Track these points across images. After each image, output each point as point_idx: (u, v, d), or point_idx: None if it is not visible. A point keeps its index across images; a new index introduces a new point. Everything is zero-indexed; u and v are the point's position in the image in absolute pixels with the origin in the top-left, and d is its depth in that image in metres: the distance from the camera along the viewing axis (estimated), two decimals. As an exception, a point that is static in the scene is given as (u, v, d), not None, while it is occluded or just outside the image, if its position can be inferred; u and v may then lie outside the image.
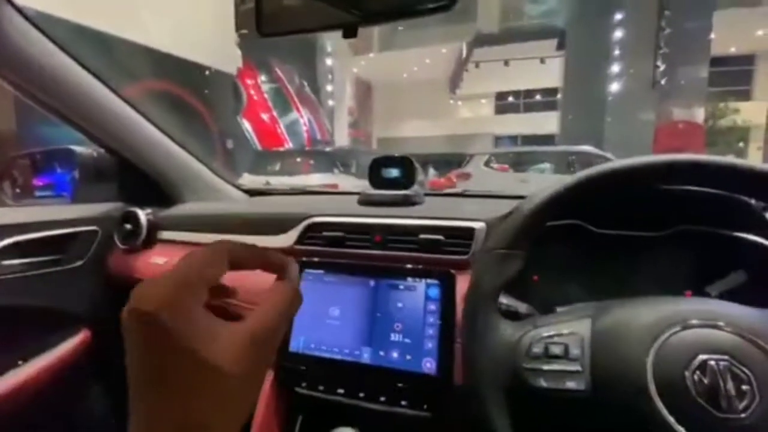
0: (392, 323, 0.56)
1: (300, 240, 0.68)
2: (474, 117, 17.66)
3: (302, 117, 8.76)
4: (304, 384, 0.59)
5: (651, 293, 0.37)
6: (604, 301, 0.38)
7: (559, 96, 11.36)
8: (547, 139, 12.78)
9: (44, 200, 1.58)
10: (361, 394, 0.55)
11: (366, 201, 0.73)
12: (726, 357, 0.29)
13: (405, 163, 0.72)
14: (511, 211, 0.58)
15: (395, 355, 0.54)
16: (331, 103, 12.26)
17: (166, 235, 0.86)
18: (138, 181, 0.94)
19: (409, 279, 0.57)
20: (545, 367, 0.33)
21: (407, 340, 0.54)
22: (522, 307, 0.46)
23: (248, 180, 4.65)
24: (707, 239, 0.51)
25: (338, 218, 0.67)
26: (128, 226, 0.86)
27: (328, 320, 0.58)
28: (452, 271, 0.56)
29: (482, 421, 0.34)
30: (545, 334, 0.35)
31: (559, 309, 0.46)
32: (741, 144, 11.35)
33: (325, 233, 0.66)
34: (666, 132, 8.44)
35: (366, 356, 0.55)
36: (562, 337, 0.35)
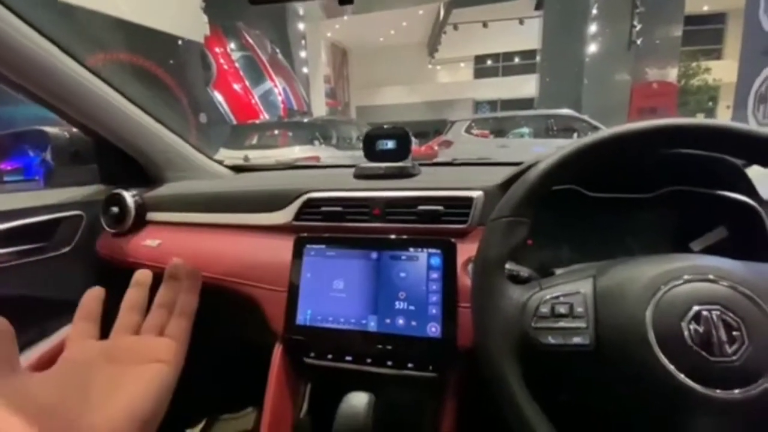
0: (396, 292, 0.57)
1: (297, 216, 0.67)
2: (453, 82, 17.39)
3: (277, 86, 8.37)
4: (312, 354, 0.61)
5: (641, 252, 0.40)
6: (604, 261, 0.40)
7: (537, 58, 11.26)
8: (526, 103, 12.77)
9: (13, 185, 1.50)
10: (369, 360, 0.58)
11: (362, 174, 0.72)
12: (718, 306, 0.32)
13: (400, 134, 0.72)
14: (510, 178, 0.60)
15: (401, 322, 0.56)
16: (305, 70, 11.76)
17: (154, 216, 0.84)
18: (118, 161, 0.91)
19: (411, 249, 0.59)
20: (552, 326, 0.36)
21: (412, 308, 0.57)
22: (524, 271, 0.49)
23: (225, 155, 4.50)
24: (693, 199, 0.54)
25: (336, 193, 0.67)
26: (115, 209, 0.83)
27: (333, 293, 0.60)
28: (452, 239, 0.58)
29: (496, 381, 0.36)
30: (551, 295, 0.37)
31: (558, 271, 0.49)
32: (711, 103, 11.65)
33: (323, 208, 0.66)
34: (641, 92, 8.56)
35: (372, 324, 0.57)
36: (567, 297, 0.37)
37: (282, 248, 0.64)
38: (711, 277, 0.33)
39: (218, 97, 7.37)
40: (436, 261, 0.58)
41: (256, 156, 4.25)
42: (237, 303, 0.66)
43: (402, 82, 16.42)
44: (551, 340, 0.35)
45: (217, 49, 7.53)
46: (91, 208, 0.84)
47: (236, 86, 7.59)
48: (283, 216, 0.68)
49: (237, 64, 7.70)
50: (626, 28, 8.45)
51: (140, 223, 0.83)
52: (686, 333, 0.31)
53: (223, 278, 0.69)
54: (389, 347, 0.56)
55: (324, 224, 0.65)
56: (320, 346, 0.60)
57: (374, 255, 0.60)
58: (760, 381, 0.30)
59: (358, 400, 0.49)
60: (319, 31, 13.04)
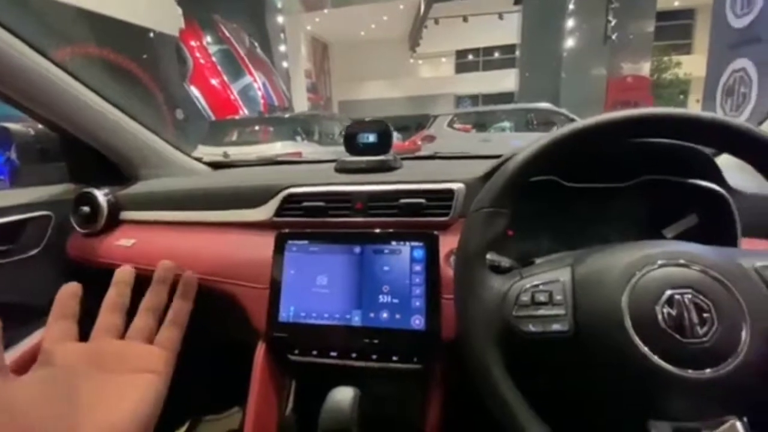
0: (380, 286, 0.57)
1: (279, 212, 0.66)
2: (435, 77, 17.44)
3: (256, 81, 8.19)
4: (296, 351, 0.60)
5: (618, 239, 0.41)
6: (582, 249, 0.41)
7: (516, 53, 11.38)
8: (507, 98, 12.92)
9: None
10: (354, 355, 0.58)
11: (343, 168, 0.72)
12: (690, 290, 0.33)
13: (381, 127, 0.71)
14: (491, 171, 0.60)
15: (385, 315, 0.56)
16: (285, 65, 11.56)
17: (128, 215, 0.82)
18: (88, 159, 0.87)
19: (394, 243, 0.59)
20: (533, 314, 0.36)
21: (395, 301, 0.57)
22: (505, 262, 0.49)
23: (203, 152, 4.39)
24: (665, 187, 0.55)
25: (317, 187, 0.66)
26: (86, 209, 0.80)
27: (316, 289, 0.59)
28: (435, 232, 0.58)
29: (479, 371, 0.36)
30: (531, 284, 0.38)
31: (538, 260, 0.49)
32: (682, 96, 12.03)
33: (304, 203, 0.65)
34: (616, 86, 8.78)
35: (356, 319, 0.57)
36: (547, 285, 0.37)
37: (263, 245, 0.63)
38: (683, 262, 0.34)
39: (195, 92, 7.16)
40: (419, 254, 0.58)
41: (236, 152, 4.16)
42: (218, 302, 0.64)
43: (384, 77, 16.36)
44: (532, 327, 0.36)
45: (192, 43, 7.31)
46: (60, 208, 0.81)
47: (214, 81, 7.40)
48: (264, 212, 0.67)
49: (214, 58, 7.50)
50: (602, 24, 8.63)
51: (113, 222, 0.81)
52: (660, 316, 0.32)
53: (203, 277, 0.67)
54: (374, 341, 0.56)
55: (306, 219, 0.64)
56: (304, 342, 0.59)
57: (357, 249, 0.59)
58: (728, 360, 0.31)
59: (343, 395, 0.49)
60: (298, 24, 12.85)
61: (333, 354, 0.58)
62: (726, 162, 0.57)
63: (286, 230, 0.62)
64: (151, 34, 5.76)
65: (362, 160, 0.71)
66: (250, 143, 4.82)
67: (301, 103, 12.42)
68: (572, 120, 5.81)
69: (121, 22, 5.01)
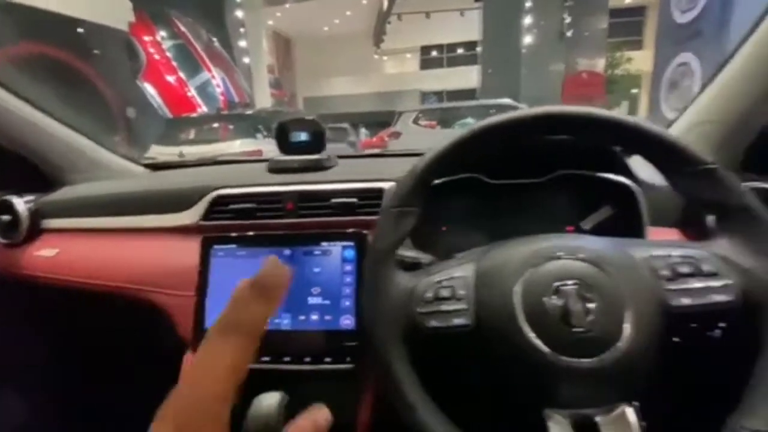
0: (310, 288, 0.57)
1: (206, 215, 0.64)
2: (400, 72, 17.49)
3: (215, 77, 7.90)
4: None
5: (538, 232, 0.42)
6: (488, 245, 0.42)
7: (478, 49, 11.61)
8: (471, 94, 13.15)
9: None
10: (286, 359, 0.57)
11: (275, 168, 0.70)
12: (576, 281, 0.34)
13: (314, 126, 0.70)
14: None
15: (315, 317, 0.56)
16: (246, 60, 11.22)
17: (53, 223, 0.76)
18: (6, 163, 0.81)
19: (324, 243, 0.58)
20: (436, 309, 0.37)
21: (326, 302, 0.56)
22: (425, 258, 0.50)
23: (158, 152, 4.19)
24: (581, 181, 0.58)
25: (246, 188, 0.64)
26: (5, 218, 0.74)
27: None
28: (365, 231, 0.58)
29: (382, 367, 0.37)
30: (436, 280, 0.39)
31: (458, 256, 0.50)
32: (635, 90, 12.67)
33: (232, 206, 0.63)
34: (573, 82, 9.15)
35: (286, 323, 0.56)
36: (451, 281, 0.38)
37: (190, 250, 0.61)
38: (572, 255, 0.36)
39: (150, 89, 6.81)
40: (350, 254, 0.57)
41: (194, 152, 4.01)
42: (143, 312, 0.62)
43: (349, 73, 16.24)
44: (434, 323, 0.36)
45: (145, 38, 6.94)
46: None
47: (169, 77, 7.07)
48: (191, 216, 0.65)
49: (169, 54, 7.16)
50: (558, 21, 8.95)
51: (35, 231, 0.75)
52: (548, 306, 0.34)
53: (127, 286, 0.64)
54: (305, 343, 0.55)
55: (235, 223, 0.63)
56: None
57: (287, 252, 0.58)
58: (612, 348, 0.33)
59: (267, 401, 0.48)
60: (259, 19, 12.47)
61: (265, 359, 0.57)
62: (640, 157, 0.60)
63: (212, 234, 0.60)
64: (96, 29, 5.41)
65: (294, 159, 0.69)
66: (209, 142, 4.64)
67: (264, 100, 12.10)
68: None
69: (60, 15, 4.67)
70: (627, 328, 0.33)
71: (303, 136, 0.69)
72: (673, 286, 0.35)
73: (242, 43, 11.09)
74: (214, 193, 0.64)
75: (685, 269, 0.35)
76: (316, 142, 0.70)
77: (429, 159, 0.41)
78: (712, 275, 0.35)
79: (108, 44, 5.74)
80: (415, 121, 6.63)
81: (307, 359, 0.57)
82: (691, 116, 0.67)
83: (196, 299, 0.58)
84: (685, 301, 0.35)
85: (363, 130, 8.52)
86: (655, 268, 0.36)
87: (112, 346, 0.88)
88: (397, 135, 6.43)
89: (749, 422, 0.32)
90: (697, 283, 0.35)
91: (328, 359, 0.57)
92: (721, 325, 0.42)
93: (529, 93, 8.86)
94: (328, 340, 0.55)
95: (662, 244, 0.39)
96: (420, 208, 0.41)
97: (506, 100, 6.75)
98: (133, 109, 6.00)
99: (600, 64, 9.53)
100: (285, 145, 0.70)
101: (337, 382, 0.60)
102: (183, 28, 7.64)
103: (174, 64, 7.15)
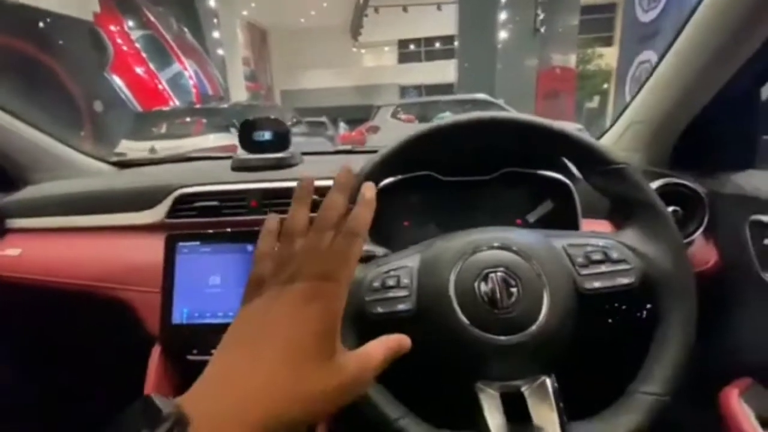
0: None
1: (171, 213, 0.66)
2: (378, 66, 17.42)
3: (187, 69, 7.65)
4: (195, 351, 0.61)
5: (488, 225, 0.46)
6: (434, 237, 0.46)
7: (455, 44, 11.70)
8: (449, 88, 13.25)
9: None
10: None
11: (239, 166, 0.72)
12: (502, 268, 0.39)
13: (277, 125, 0.72)
14: None
15: (278, 309, 0.59)
16: (220, 52, 10.93)
17: (17, 223, 0.76)
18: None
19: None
20: (382, 297, 0.41)
21: None
22: (380, 251, 0.53)
23: (127, 147, 4.06)
24: (525, 178, 0.63)
25: (210, 186, 0.66)
26: (-35, 218, 0.74)
27: (209, 289, 0.60)
28: None
29: None
30: (384, 270, 0.42)
31: (410, 248, 0.54)
32: (605, 85, 13.06)
33: (197, 203, 0.65)
34: (546, 77, 9.36)
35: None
36: (397, 271, 0.42)
37: (154, 248, 0.63)
38: (502, 245, 0.40)
39: (118, 81, 6.55)
40: None
41: (165, 147, 3.92)
42: (110, 309, 0.63)
43: (327, 66, 16.05)
44: (380, 309, 0.40)
45: (112, 27, 6.65)
46: None
47: (138, 69, 6.80)
48: (155, 214, 0.66)
49: (138, 45, 6.89)
50: (531, 17, 9.12)
51: None
52: (477, 291, 0.38)
53: (94, 284, 0.65)
54: None
55: (199, 220, 0.65)
56: (201, 342, 0.60)
57: (250, 248, 0.61)
58: (531, 328, 0.37)
59: None
60: (233, 9, 12.15)
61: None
62: None
63: (176, 232, 0.62)
64: (59, 19, 5.16)
65: (259, 157, 0.72)
66: (181, 136, 4.53)
67: (239, 93, 11.84)
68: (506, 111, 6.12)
69: (20, 5, 4.43)
70: (544, 309, 0.38)
71: (267, 135, 0.72)
72: (586, 272, 0.40)
73: (216, 34, 10.79)
74: (178, 192, 0.66)
75: (597, 257, 0.41)
76: (281, 141, 0.72)
77: (374, 162, 0.44)
78: (620, 261, 0.40)
79: (72, 35, 5.49)
80: (394, 116, 6.65)
81: None
82: (627, 116, 0.74)
83: (162, 295, 0.60)
84: (596, 284, 0.40)
85: (342, 124, 8.48)
86: (572, 256, 0.41)
87: (79, 343, 0.88)
88: (375, 129, 6.44)
89: (647, 387, 0.38)
90: (606, 268, 0.40)
91: None
92: (624, 305, 0.47)
93: (504, 87, 9.01)
94: None
95: (580, 235, 0.44)
96: None
97: (482, 95, 6.85)
98: (100, 102, 5.77)
99: (572, 59, 9.78)
100: (249, 143, 0.72)
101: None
102: (152, 19, 7.36)
103: (143, 55, 6.89)
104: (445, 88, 13.64)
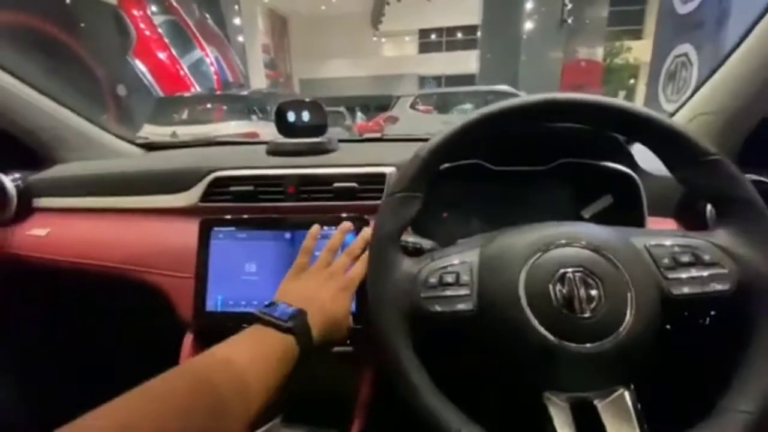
0: None
1: (205, 197, 0.63)
2: (398, 56, 17.20)
3: (208, 56, 7.67)
4: None
5: (539, 220, 0.42)
6: (493, 231, 0.42)
7: (478, 34, 11.42)
8: (470, 79, 12.99)
9: None
10: None
11: (275, 151, 0.69)
12: (581, 269, 0.35)
13: (315, 108, 0.69)
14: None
15: (315, 301, 0.56)
16: (241, 39, 10.93)
17: (43, 202, 0.75)
18: (-3, 141, 0.79)
19: (326, 228, 0.58)
20: (440, 294, 0.37)
21: None
22: (427, 244, 0.50)
23: (150, 131, 4.10)
24: (583, 169, 0.58)
25: (246, 171, 0.63)
26: (-7, 195, 0.73)
27: (245, 276, 0.57)
28: (366, 216, 0.58)
29: (385, 350, 0.37)
30: (440, 266, 0.39)
31: (460, 242, 0.51)
32: (632, 81, 12.61)
33: (232, 188, 0.62)
34: (571, 70, 9.08)
35: (287, 305, 0.56)
36: (455, 267, 0.38)
37: (188, 232, 0.60)
38: (577, 242, 0.36)
39: (140, 66, 6.61)
40: (350, 238, 0.57)
41: (186, 132, 3.93)
42: (141, 293, 0.61)
43: (346, 55, 15.93)
44: (438, 308, 0.37)
45: (135, 12, 6.69)
46: None
47: (161, 54, 6.85)
48: (189, 197, 0.64)
49: (160, 30, 6.92)
50: (558, 7, 8.81)
51: (25, 210, 0.74)
52: (552, 294, 0.34)
53: (124, 267, 0.63)
54: None
55: (234, 205, 0.62)
56: (235, 331, 0.58)
57: (287, 235, 0.58)
58: (613, 335, 0.33)
59: None
60: (254, -4, 12.13)
61: None
62: (641, 146, 0.60)
63: (212, 216, 0.59)
64: (84, 0, 5.21)
65: (295, 142, 0.68)
66: (202, 122, 4.55)
67: (258, 80, 11.85)
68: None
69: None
70: (628, 315, 0.34)
71: (304, 119, 0.68)
72: (673, 275, 0.36)
73: (236, 21, 10.79)
74: (213, 175, 0.63)
75: (685, 258, 0.36)
76: (318, 125, 0.69)
77: (435, 144, 0.40)
78: (713, 264, 0.36)
79: (96, 18, 5.54)
80: (413, 106, 6.55)
81: None
82: (692, 107, 0.67)
83: (195, 281, 0.58)
84: (685, 289, 0.35)
85: (359, 114, 8.41)
86: (656, 257, 0.37)
87: (107, 327, 0.87)
88: (394, 120, 6.36)
89: (742, 405, 0.34)
90: (697, 272, 0.35)
91: None
92: (713, 312, 0.43)
93: (527, 79, 8.77)
94: None
95: (663, 234, 0.39)
96: (424, 193, 0.41)
97: (504, 87, 6.68)
98: (123, 86, 5.84)
99: (599, 52, 9.45)
100: (285, 127, 0.68)
101: (338, 364, 0.60)
102: (175, 4, 7.38)
103: (165, 40, 6.92)
104: (466, 79, 13.39)
